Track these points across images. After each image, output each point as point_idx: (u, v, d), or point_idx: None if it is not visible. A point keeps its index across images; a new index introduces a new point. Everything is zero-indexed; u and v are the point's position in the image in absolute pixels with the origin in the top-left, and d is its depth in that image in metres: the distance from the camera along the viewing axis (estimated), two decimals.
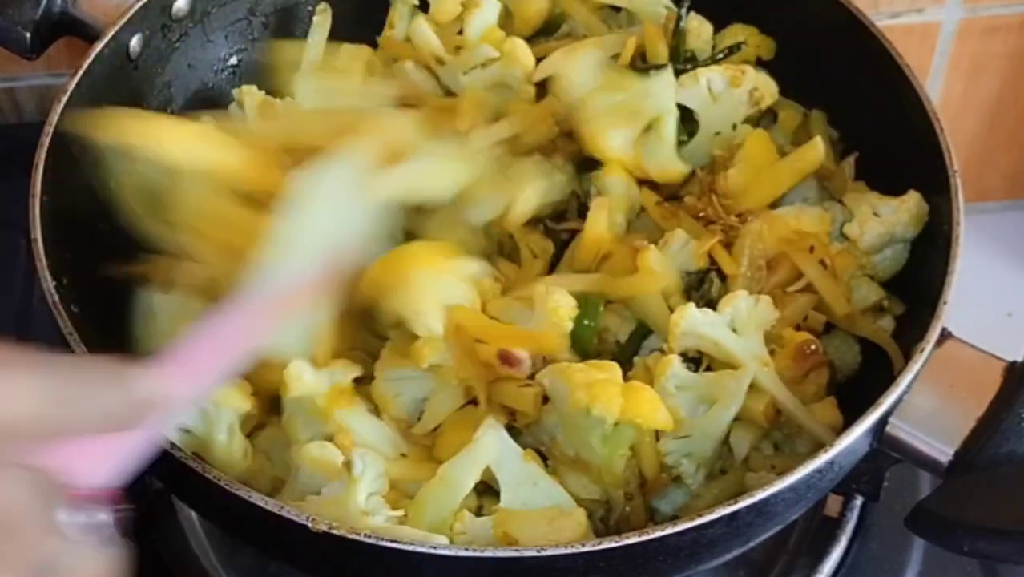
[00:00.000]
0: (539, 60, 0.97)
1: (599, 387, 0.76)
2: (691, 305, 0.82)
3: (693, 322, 0.81)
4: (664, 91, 0.92)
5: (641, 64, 0.95)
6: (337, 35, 1.05)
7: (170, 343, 0.64)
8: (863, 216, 0.89)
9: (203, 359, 0.64)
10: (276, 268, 0.73)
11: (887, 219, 0.89)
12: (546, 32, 1.03)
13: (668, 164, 0.93)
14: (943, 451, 0.76)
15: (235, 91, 1.01)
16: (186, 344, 0.64)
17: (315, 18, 1.05)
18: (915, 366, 0.76)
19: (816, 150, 0.91)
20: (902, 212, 0.89)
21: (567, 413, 0.78)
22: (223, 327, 0.68)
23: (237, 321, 0.68)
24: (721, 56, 0.98)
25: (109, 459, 0.54)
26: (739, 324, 0.83)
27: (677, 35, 0.97)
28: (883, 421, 0.76)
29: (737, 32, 1.01)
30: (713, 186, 0.91)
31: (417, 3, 1.03)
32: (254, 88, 1.00)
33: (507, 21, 1.02)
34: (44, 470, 0.49)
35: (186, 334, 0.65)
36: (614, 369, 0.78)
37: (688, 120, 0.95)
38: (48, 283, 0.81)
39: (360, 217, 0.77)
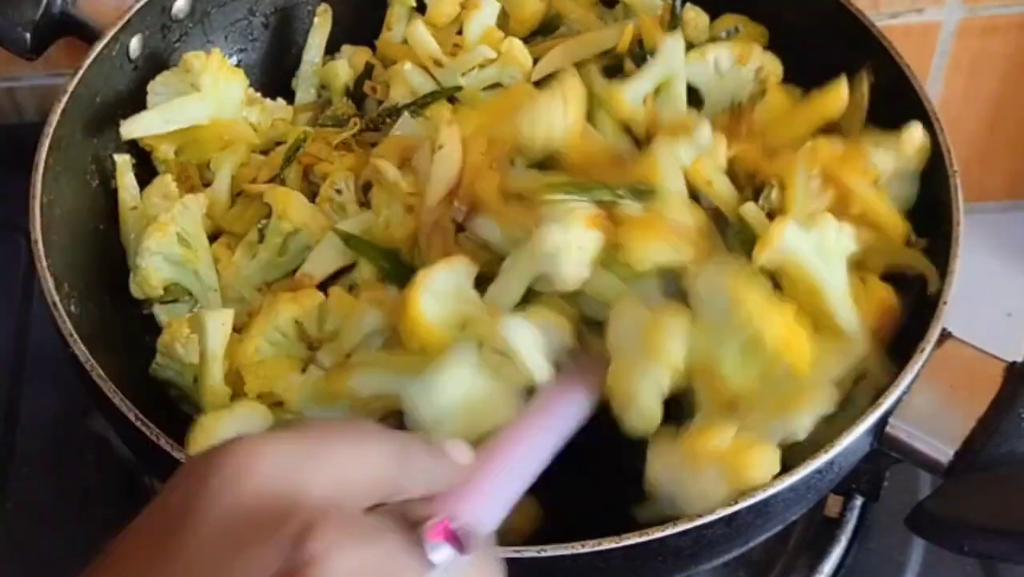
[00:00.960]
0: (535, 61, 0.97)
1: (794, 334, 0.74)
2: (790, 218, 0.79)
3: (791, 239, 0.78)
4: (675, 53, 0.93)
5: (639, 51, 0.96)
6: (336, 36, 1.05)
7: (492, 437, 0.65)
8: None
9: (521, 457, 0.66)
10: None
11: (891, 148, 0.88)
12: (543, 32, 1.03)
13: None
14: (943, 451, 0.76)
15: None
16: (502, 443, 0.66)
17: (315, 19, 1.05)
18: (915, 366, 0.76)
19: (839, 93, 0.90)
20: (906, 143, 0.88)
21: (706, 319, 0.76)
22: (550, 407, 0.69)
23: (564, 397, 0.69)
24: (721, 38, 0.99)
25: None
26: (824, 251, 0.79)
27: (674, 25, 0.97)
28: (883, 421, 0.76)
29: (729, 20, 1.01)
30: (736, 128, 0.91)
31: (415, 5, 1.03)
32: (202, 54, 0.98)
33: (503, 22, 1.01)
34: (405, 515, 0.53)
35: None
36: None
37: (693, 101, 0.95)
38: (48, 283, 0.81)
39: None
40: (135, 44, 0.97)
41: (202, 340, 0.84)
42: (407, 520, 0.53)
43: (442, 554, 0.52)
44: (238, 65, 1.03)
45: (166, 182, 0.94)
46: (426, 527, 0.52)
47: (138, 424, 0.74)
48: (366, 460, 0.52)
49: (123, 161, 0.95)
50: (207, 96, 0.96)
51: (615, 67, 0.97)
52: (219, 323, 0.84)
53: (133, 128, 0.94)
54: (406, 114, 0.95)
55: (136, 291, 0.91)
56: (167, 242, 0.89)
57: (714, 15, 1.02)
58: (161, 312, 0.92)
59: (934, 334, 0.78)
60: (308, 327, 0.86)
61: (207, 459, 0.50)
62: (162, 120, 0.95)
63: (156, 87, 0.97)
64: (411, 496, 0.55)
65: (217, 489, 0.49)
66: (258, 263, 0.91)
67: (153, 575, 0.47)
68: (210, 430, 0.80)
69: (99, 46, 0.93)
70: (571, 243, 0.78)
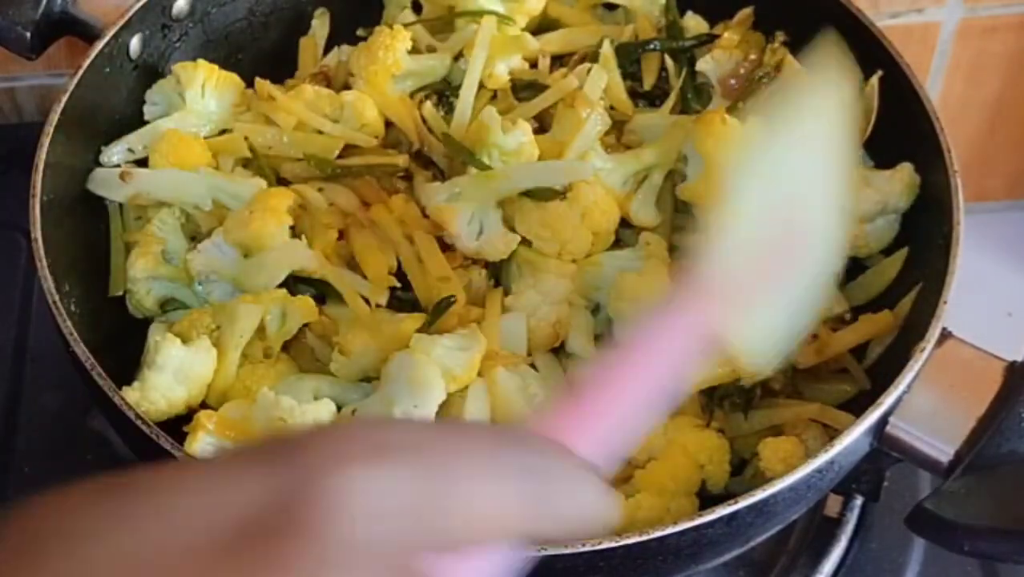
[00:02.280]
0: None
1: None
2: None
3: None
4: None
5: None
6: (335, 37, 1.05)
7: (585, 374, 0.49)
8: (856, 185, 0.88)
9: (635, 386, 0.49)
10: (727, 245, 0.56)
11: (881, 188, 0.89)
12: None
13: None
14: (943, 451, 0.76)
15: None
16: (588, 393, 0.48)
17: (313, 22, 1.05)
18: (915, 366, 0.76)
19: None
20: (895, 182, 0.89)
21: None
22: (665, 330, 0.51)
23: (683, 319, 0.51)
24: (706, 39, 1.00)
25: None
26: None
27: (672, 33, 0.97)
28: (883, 421, 0.76)
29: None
30: None
31: (409, 4, 1.03)
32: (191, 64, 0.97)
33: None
34: None
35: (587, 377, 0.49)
36: None
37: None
38: (48, 283, 0.81)
39: (824, 178, 0.59)
40: (135, 44, 0.96)
41: (228, 330, 0.84)
42: None
43: None
44: (238, 65, 1.03)
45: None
46: None
47: (138, 424, 0.74)
48: (503, 503, 0.39)
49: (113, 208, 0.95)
50: (191, 111, 0.96)
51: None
52: (251, 313, 0.85)
53: (112, 154, 0.95)
54: None
55: (135, 312, 0.91)
56: (153, 265, 0.90)
57: (715, 17, 1.03)
58: (157, 331, 0.89)
59: (934, 334, 0.78)
60: (269, 325, 0.87)
61: (299, 455, 0.38)
62: (141, 144, 0.95)
63: (152, 96, 0.98)
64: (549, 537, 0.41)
65: (326, 507, 0.36)
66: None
67: None
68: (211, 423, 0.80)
69: (99, 46, 0.93)
70: None
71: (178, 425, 0.83)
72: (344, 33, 1.05)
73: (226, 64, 1.02)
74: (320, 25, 1.05)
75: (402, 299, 0.90)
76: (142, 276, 0.90)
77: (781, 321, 0.58)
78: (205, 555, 0.35)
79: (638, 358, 0.49)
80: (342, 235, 0.91)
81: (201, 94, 0.97)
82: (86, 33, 0.97)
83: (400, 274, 0.90)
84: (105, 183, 0.93)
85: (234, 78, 0.99)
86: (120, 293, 0.91)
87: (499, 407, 0.84)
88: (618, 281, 0.89)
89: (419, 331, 0.85)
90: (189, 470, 0.39)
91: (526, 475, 0.40)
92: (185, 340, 0.84)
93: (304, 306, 0.87)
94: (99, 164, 0.95)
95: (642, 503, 0.79)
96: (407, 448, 0.38)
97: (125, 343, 0.89)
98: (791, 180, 0.58)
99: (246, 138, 0.96)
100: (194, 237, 0.93)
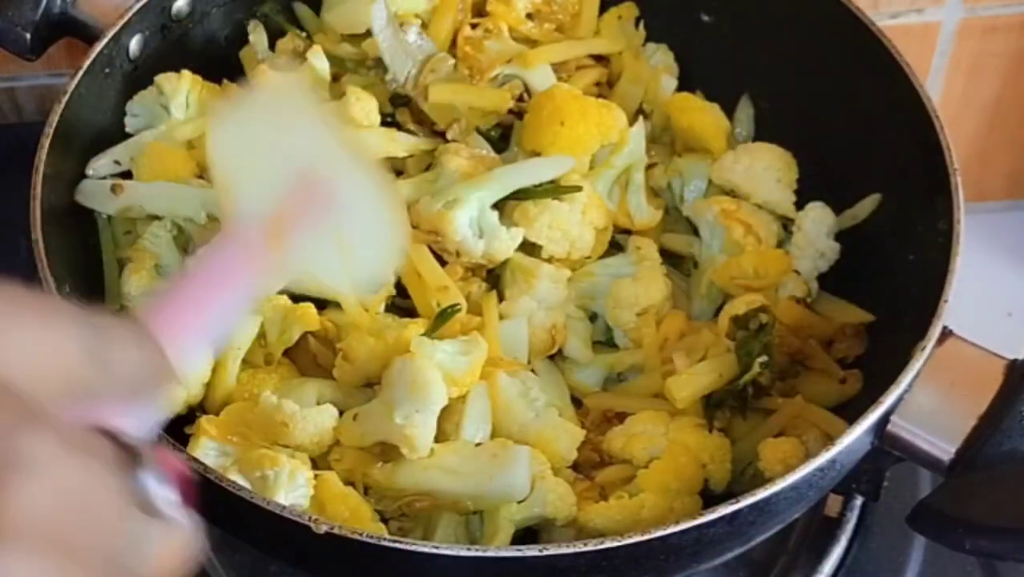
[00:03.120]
0: None
1: None
2: None
3: None
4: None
5: None
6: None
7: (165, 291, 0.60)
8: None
9: (203, 305, 0.59)
10: (242, 200, 0.67)
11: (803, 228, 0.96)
12: None
13: None
14: (944, 449, 0.76)
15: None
16: (182, 290, 0.59)
17: (251, 36, 1.04)
18: (916, 365, 0.76)
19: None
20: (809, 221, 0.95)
21: None
22: (214, 269, 0.62)
23: (228, 260, 0.63)
24: None
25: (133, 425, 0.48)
26: None
27: None
28: (884, 420, 0.76)
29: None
30: None
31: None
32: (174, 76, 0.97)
33: None
34: (118, 438, 0.44)
35: (180, 280, 0.60)
36: None
37: None
38: (48, 284, 0.81)
39: (321, 136, 0.71)
40: (135, 44, 0.96)
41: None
42: (118, 442, 0.44)
43: (158, 490, 0.44)
44: (239, 66, 1.03)
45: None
46: (145, 457, 0.44)
47: None
48: (58, 346, 0.42)
49: (103, 222, 0.95)
50: (176, 123, 0.96)
51: None
52: (246, 324, 0.85)
53: (98, 167, 0.94)
54: None
55: None
56: (148, 280, 0.90)
57: (716, 20, 1.03)
58: None
59: (935, 333, 0.78)
60: (269, 332, 0.87)
61: None
62: (127, 156, 0.95)
63: (133, 107, 0.97)
64: (105, 398, 0.45)
65: None
66: None
67: None
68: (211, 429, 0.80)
69: (99, 46, 0.93)
70: None
71: (179, 425, 0.83)
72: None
73: (227, 65, 1.02)
74: (257, 36, 1.04)
75: (400, 307, 0.90)
76: (137, 292, 0.89)
77: (338, 251, 0.68)
78: None
79: (203, 275, 0.61)
80: None
81: (186, 105, 0.97)
82: (86, 34, 0.97)
83: (397, 283, 0.90)
84: (95, 195, 0.93)
85: (217, 89, 0.99)
86: (117, 307, 0.91)
87: (500, 411, 0.84)
88: (614, 289, 0.90)
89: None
90: None
91: (85, 328, 0.44)
92: None
93: (305, 314, 0.87)
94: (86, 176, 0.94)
95: (645, 502, 0.80)
96: None
97: None
98: (280, 140, 0.69)
99: None
100: (186, 250, 0.92)
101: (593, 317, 0.93)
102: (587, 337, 0.92)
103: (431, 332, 0.86)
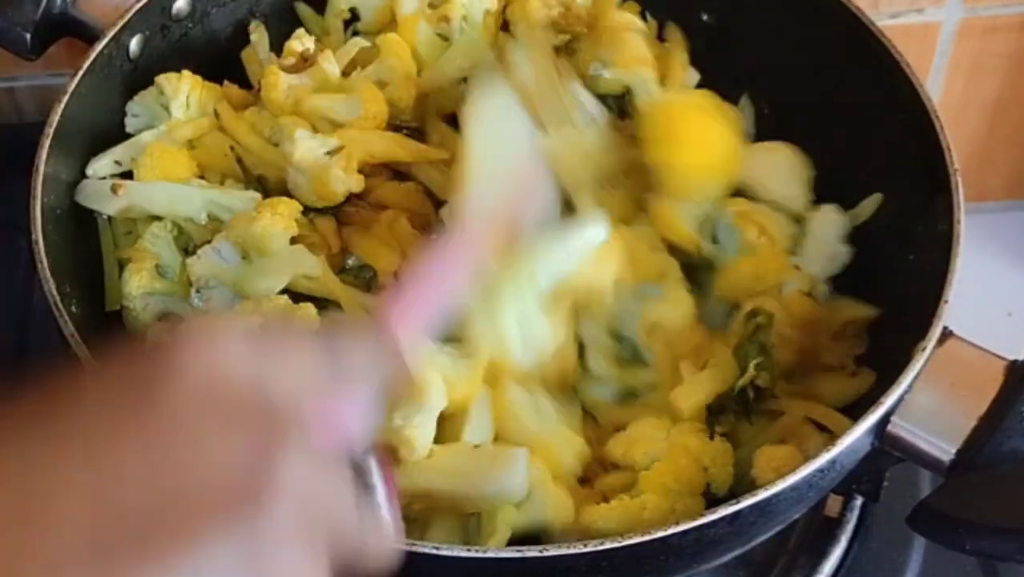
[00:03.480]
0: None
1: None
2: None
3: None
4: None
5: None
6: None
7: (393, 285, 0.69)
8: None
9: (431, 298, 0.65)
10: (476, 194, 0.75)
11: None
12: None
13: None
14: (945, 450, 0.76)
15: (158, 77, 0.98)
16: (414, 284, 0.65)
17: (252, 36, 1.04)
18: (916, 365, 0.76)
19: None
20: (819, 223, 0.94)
21: None
22: (444, 263, 0.68)
23: (462, 245, 0.70)
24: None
25: (364, 416, 0.57)
26: None
27: None
28: (885, 420, 0.76)
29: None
30: None
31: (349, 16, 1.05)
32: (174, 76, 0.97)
33: None
34: (343, 450, 0.53)
35: (406, 275, 0.67)
36: None
37: None
38: (48, 283, 0.81)
39: (526, 136, 0.81)
40: (135, 44, 0.96)
41: None
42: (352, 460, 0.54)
43: (378, 494, 0.54)
44: (239, 66, 1.03)
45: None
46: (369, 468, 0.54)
47: None
48: (309, 370, 0.52)
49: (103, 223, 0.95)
50: (176, 123, 0.96)
51: None
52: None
53: (98, 167, 0.94)
54: None
55: (131, 328, 0.91)
56: (148, 281, 0.89)
57: (715, 21, 1.04)
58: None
59: (935, 333, 0.78)
60: None
61: (169, 345, 0.49)
62: (128, 157, 0.95)
63: (133, 107, 0.97)
64: (344, 398, 0.55)
65: (188, 372, 0.48)
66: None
67: (126, 449, 0.46)
68: None
69: (99, 46, 0.93)
70: None
71: None
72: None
73: (227, 65, 1.02)
74: (259, 37, 1.04)
75: None
76: (138, 293, 0.89)
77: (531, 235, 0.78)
78: (101, 423, 0.48)
79: (437, 268, 0.67)
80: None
81: (186, 105, 0.97)
82: (86, 34, 0.97)
83: None
84: (96, 196, 0.93)
85: (218, 89, 0.99)
86: (117, 308, 0.91)
87: (505, 420, 0.84)
88: (644, 312, 0.89)
89: None
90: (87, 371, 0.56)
91: (329, 348, 0.54)
92: None
93: (306, 315, 0.86)
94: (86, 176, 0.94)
95: (647, 503, 0.79)
96: (247, 334, 0.51)
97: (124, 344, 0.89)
98: (508, 140, 0.79)
99: (232, 149, 0.96)
100: (186, 250, 0.92)
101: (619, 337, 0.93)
102: (610, 353, 0.91)
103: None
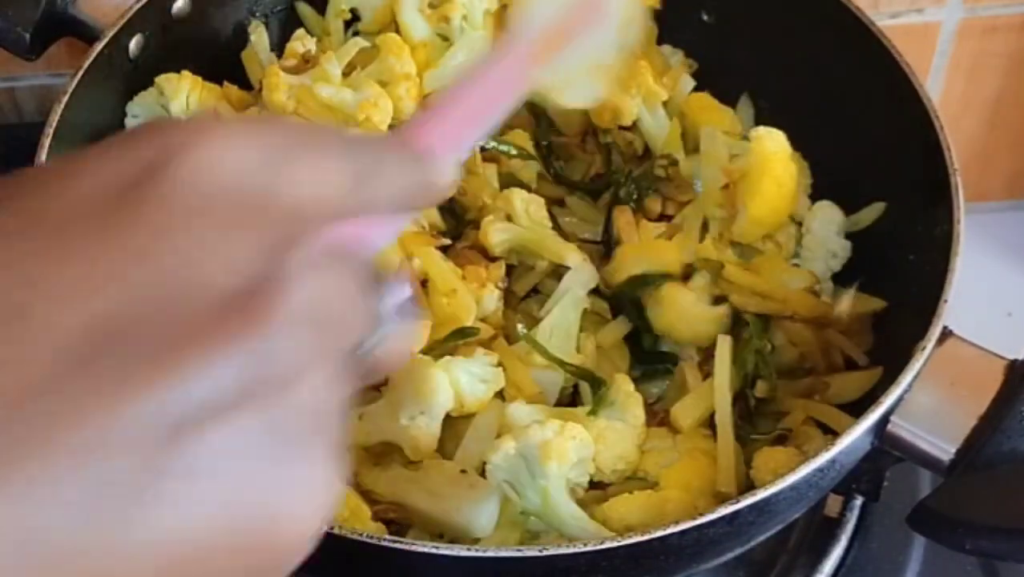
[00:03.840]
0: None
1: None
2: None
3: None
4: None
5: None
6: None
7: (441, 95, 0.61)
8: None
9: (469, 117, 0.60)
10: (533, 7, 0.67)
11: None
12: None
13: None
14: (944, 449, 0.76)
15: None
16: (452, 103, 0.60)
17: (251, 37, 1.04)
18: (916, 365, 0.76)
19: None
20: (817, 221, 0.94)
21: None
22: (483, 83, 0.63)
23: (507, 64, 0.63)
24: None
25: (387, 234, 0.53)
26: None
27: None
28: (884, 420, 0.76)
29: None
30: None
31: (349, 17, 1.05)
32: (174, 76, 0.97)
33: None
34: (358, 253, 0.48)
35: (455, 86, 0.61)
36: None
37: None
38: None
39: None
40: (135, 44, 0.96)
41: None
42: (366, 267, 0.48)
43: (394, 297, 0.50)
44: (239, 66, 1.03)
45: None
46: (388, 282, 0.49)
47: None
48: (330, 177, 0.46)
49: None
50: None
51: None
52: None
53: None
54: None
55: None
56: None
57: (716, 21, 1.04)
58: None
59: (935, 333, 0.78)
60: None
61: (167, 132, 0.43)
62: None
63: (133, 108, 0.97)
64: (374, 214, 0.49)
65: (186, 169, 0.41)
66: None
67: (109, 247, 0.39)
68: None
69: (99, 46, 0.93)
70: None
71: None
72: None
73: (227, 66, 1.02)
74: (259, 38, 1.04)
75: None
76: None
77: (596, 60, 0.70)
78: (81, 221, 0.40)
79: (479, 88, 0.61)
80: None
81: (186, 106, 0.96)
82: (86, 34, 0.97)
83: None
84: None
85: (218, 89, 0.99)
86: None
87: (506, 426, 0.84)
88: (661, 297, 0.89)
89: (429, 345, 0.86)
90: (68, 160, 0.44)
91: (353, 155, 0.47)
92: None
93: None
94: None
95: (670, 497, 0.79)
96: (258, 131, 0.45)
97: None
98: None
99: None
100: None
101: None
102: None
103: (441, 343, 0.86)
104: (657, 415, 0.88)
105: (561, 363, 0.88)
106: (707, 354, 0.89)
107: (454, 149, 0.57)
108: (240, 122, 0.46)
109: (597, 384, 0.87)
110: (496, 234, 0.91)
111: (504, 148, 0.98)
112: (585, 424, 0.82)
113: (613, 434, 0.83)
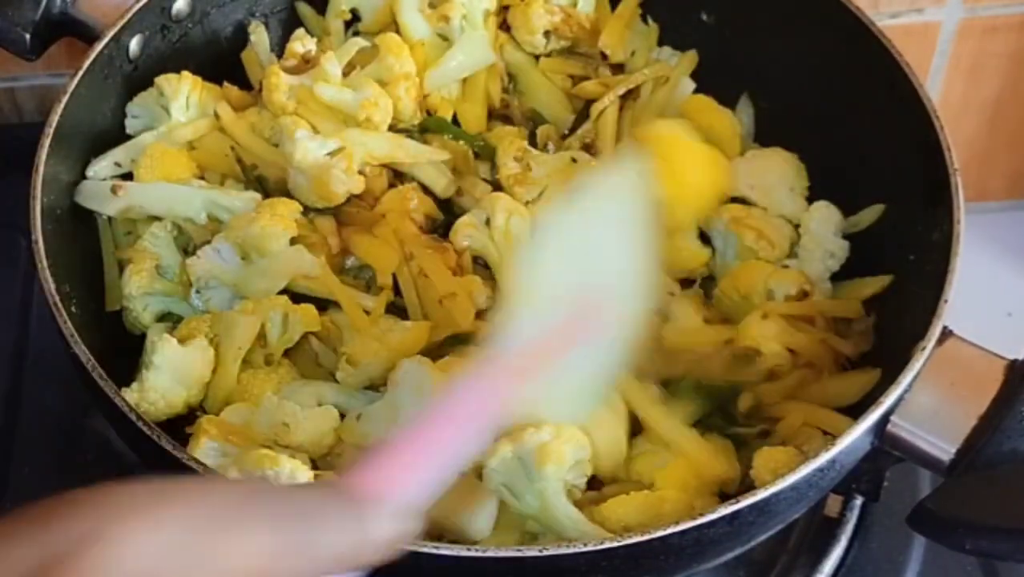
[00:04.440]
0: None
1: None
2: None
3: None
4: None
5: None
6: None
7: (401, 431, 0.55)
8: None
9: (438, 447, 0.55)
10: (521, 319, 0.62)
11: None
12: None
13: None
14: (945, 449, 0.76)
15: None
16: (416, 435, 0.55)
17: (251, 37, 1.04)
18: (916, 364, 0.76)
19: None
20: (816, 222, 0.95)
21: None
22: (463, 399, 0.58)
23: (479, 389, 0.58)
24: None
25: None
26: None
27: None
28: (884, 420, 0.76)
29: None
30: None
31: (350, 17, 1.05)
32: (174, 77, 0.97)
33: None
34: None
35: (415, 419, 0.56)
36: None
37: None
38: (48, 284, 0.81)
39: (619, 250, 0.66)
40: (135, 44, 0.96)
41: (226, 340, 0.85)
42: None
43: None
44: (240, 66, 1.03)
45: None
46: None
47: (139, 424, 0.74)
48: (258, 550, 0.44)
49: (103, 223, 0.94)
50: (176, 124, 0.96)
51: None
52: (249, 324, 0.85)
53: (98, 168, 0.94)
54: None
55: (132, 329, 0.91)
56: (148, 281, 0.89)
57: (716, 21, 1.04)
58: (154, 332, 0.89)
59: (935, 332, 0.78)
60: (270, 332, 0.86)
61: (77, 516, 0.42)
62: (128, 158, 0.95)
63: (133, 108, 0.97)
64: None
65: (98, 558, 0.40)
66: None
67: None
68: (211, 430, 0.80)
69: (99, 46, 0.93)
70: None
71: (180, 425, 0.83)
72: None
73: (227, 66, 1.02)
74: (259, 38, 1.04)
75: (397, 304, 0.90)
76: (138, 293, 0.89)
77: (585, 379, 0.65)
78: None
79: (442, 420, 0.56)
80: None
81: (186, 107, 0.97)
82: (85, 34, 0.97)
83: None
84: (95, 197, 0.92)
85: (217, 90, 0.99)
86: (117, 308, 0.91)
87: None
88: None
89: (427, 347, 0.86)
90: None
91: (284, 525, 0.45)
92: (183, 343, 0.84)
93: (306, 315, 0.86)
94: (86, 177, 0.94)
95: (666, 497, 0.79)
96: (176, 507, 0.43)
97: (126, 344, 0.89)
98: (583, 257, 0.64)
99: (233, 149, 0.96)
100: (186, 250, 0.92)
101: None
102: None
103: (438, 347, 0.86)
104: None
105: None
106: None
107: (407, 493, 0.52)
108: (158, 496, 0.44)
109: None
110: (462, 239, 0.91)
111: None
112: None
113: (607, 423, 0.83)
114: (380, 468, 0.52)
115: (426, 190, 0.96)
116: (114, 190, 0.91)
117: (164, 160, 0.93)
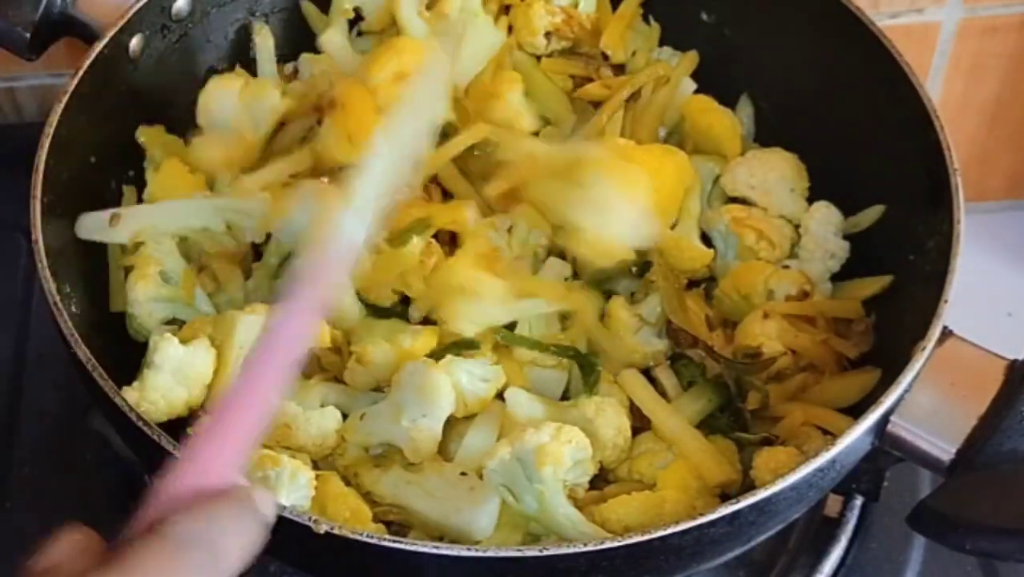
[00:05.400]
0: None
1: None
2: None
3: None
4: None
5: None
6: (298, 44, 1.06)
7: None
8: None
9: (251, 403, 0.59)
10: (346, 228, 0.68)
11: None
12: None
13: None
14: (945, 449, 0.76)
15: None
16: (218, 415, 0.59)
17: (256, 38, 1.04)
18: (916, 364, 0.76)
19: None
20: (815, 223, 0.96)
21: None
22: (287, 324, 0.62)
23: (304, 306, 0.63)
24: None
25: None
26: None
27: None
28: (885, 420, 0.76)
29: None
30: None
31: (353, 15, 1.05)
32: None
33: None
34: None
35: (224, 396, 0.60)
36: None
37: None
38: (48, 283, 0.81)
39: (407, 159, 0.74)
40: (135, 44, 0.96)
41: (227, 341, 0.85)
42: None
43: None
44: (241, 65, 1.04)
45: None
46: None
47: (139, 424, 0.74)
48: None
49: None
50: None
51: None
52: (250, 325, 0.85)
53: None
54: None
55: (136, 336, 0.90)
56: (153, 287, 0.89)
57: (716, 21, 1.04)
58: (156, 331, 0.89)
59: (935, 332, 0.78)
60: None
61: None
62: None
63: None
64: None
65: None
66: (253, 284, 0.92)
67: None
68: None
69: (99, 46, 0.93)
70: None
71: (180, 425, 0.83)
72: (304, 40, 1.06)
73: (227, 66, 1.02)
74: (263, 41, 1.04)
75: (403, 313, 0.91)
76: (143, 299, 0.89)
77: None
78: None
79: (259, 365, 0.60)
80: None
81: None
82: (86, 34, 0.97)
83: None
84: (99, 229, 0.91)
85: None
86: (121, 309, 0.90)
87: (507, 427, 0.84)
88: None
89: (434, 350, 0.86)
90: None
91: (192, 547, 0.52)
92: (185, 343, 0.84)
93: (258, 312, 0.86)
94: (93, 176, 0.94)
95: (667, 497, 0.80)
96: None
97: (126, 344, 0.89)
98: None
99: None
100: (189, 258, 0.93)
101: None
102: None
103: (445, 348, 0.87)
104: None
105: (546, 347, 0.88)
106: None
107: (236, 460, 0.57)
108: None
109: (590, 367, 0.87)
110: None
111: None
112: (582, 403, 0.83)
113: (610, 409, 0.84)
114: (204, 450, 0.57)
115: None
116: (112, 220, 0.91)
117: (176, 177, 0.94)
